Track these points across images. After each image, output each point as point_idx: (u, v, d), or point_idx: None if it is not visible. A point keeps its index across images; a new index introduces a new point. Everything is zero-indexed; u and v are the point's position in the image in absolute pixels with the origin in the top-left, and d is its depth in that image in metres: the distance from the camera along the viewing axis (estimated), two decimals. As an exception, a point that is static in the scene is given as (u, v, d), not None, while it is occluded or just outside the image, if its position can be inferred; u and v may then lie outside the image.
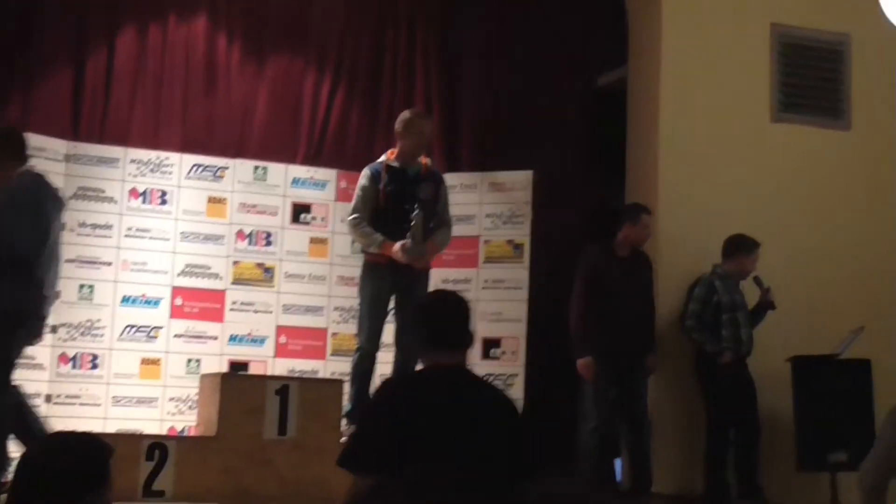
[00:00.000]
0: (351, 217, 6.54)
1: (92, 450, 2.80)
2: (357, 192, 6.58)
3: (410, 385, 3.74)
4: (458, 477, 2.20)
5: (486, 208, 7.71)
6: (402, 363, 6.56)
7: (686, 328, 7.01)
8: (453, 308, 3.79)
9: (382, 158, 6.63)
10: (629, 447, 6.85)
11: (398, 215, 6.45)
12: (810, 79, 7.77)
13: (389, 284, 6.50)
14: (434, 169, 6.75)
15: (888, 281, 7.63)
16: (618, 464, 6.98)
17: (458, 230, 7.40)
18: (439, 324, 3.72)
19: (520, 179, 7.72)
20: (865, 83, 7.81)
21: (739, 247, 7.01)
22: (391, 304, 6.57)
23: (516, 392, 7.37)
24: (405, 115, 6.67)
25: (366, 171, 6.61)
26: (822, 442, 6.78)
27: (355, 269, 6.97)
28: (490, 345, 7.53)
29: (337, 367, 7.37)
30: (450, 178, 7.54)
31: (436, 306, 3.90)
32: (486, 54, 8.29)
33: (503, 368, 7.45)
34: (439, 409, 3.53)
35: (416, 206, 6.45)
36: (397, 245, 6.36)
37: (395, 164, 6.57)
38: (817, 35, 7.79)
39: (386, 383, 3.78)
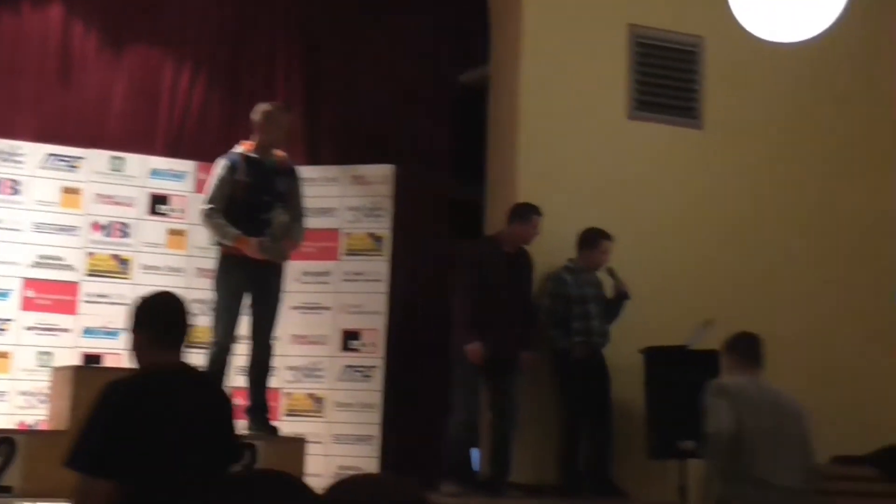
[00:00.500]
0: (205, 207, 6.49)
1: None
2: (213, 181, 6.52)
3: (137, 386, 3.74)
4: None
5: (347, 201, 7.76)
6: (257, 357, 6.60)
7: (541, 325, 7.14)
8: (175, 308, 3.92)
9: (239, 149, 6.61)
10: (491, 436, 6.91)
11: (256, 207, 6.45)
12: (665, 78, 7.96)
13: (246, 278, 6.48)
14: (290, 162, 6.77)
15: (736, 275, 7.85)
16: (475, 453, 7.09)
17: (318, 223, 7.53)
18: (162, 324, 3.85)
19: (381, 173, 7.80)
20: (717, 84, 8.05)
21: (588, 240, 7.17)
22: (248, 298, 6.58)
23: (375, 383, 7.45)
24: (264, 106, 6.67)
25: (222, 161, 6.57)
26: (671, 431, 6.94)
27: (214, 260, 6.88)
28: (350, 336, 7.59)
29: (194, 360, 7.22)
30: (311, 171, 7.65)
31: (157, 307, 3.94)
32: (349, 46, 8.34)
33: (363, 360, 7.52)
34: (168, 410, 3.66)
35: (273, 199, 6.47)
36: (254, 241, 6.35)
37: (254, 155, 6.56)
38: (673, 36, 7.99)
39: (113, 385, 3.69)
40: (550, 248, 7.24)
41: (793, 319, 7.82)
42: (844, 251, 8.20)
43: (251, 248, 6.36)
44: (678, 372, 7.05)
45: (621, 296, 7.23)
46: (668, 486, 7.02)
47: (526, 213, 6.99)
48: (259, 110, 6.65)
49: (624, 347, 7.23)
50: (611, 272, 7.22)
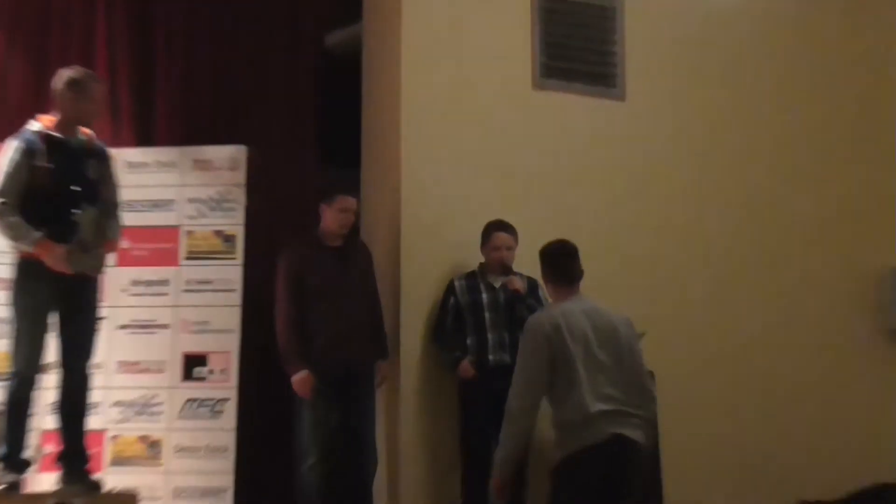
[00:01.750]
0: None
1: None
2: (4, 169, 5.81)
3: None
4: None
5: (189, 192, 7.05)
6: (70, 390, 5.99)
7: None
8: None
9: (35, 126, 5.92)
10: (349, 479, 6.52)
11: (63, 200, 5.82)
12: (578, 40, 7.59)
13: (52, 290, 5.82)
14: (98, 142, 6.14)
15: (671, 276, 7.53)
16: None
17: (152, 219, 7.00)
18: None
19: (230, 156, 7.11)
20: (639, 48, 7.72)
21: (482, 236, 6.83)
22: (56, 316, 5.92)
23: (227, 421, 6.78)
24: (73, 73, 6.01)
25: (15, 143, 5.85)
26: None
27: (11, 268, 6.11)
28: (194, 362, 6.87)
29: None
30: (141, 154, 7.12)
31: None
32: (189, 7, 7.70)
33: (211, 392, 6.81)
34: None
35: (84, 189, 5.85)
36: (60, 250, 5.71)
37: (57, 134, 5.89)
38: (583, -7, 7.76)
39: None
40: (445, 243, 6.99)
41: (740, 323, 7.61)
42: (797, 238, 7.93)
43: (56, 258, 5.73)
44: None
45: (512, 295, 6.72)
46: None
47: (330, 196, 6.64)
48: (63, 78, 5.98)
49: None
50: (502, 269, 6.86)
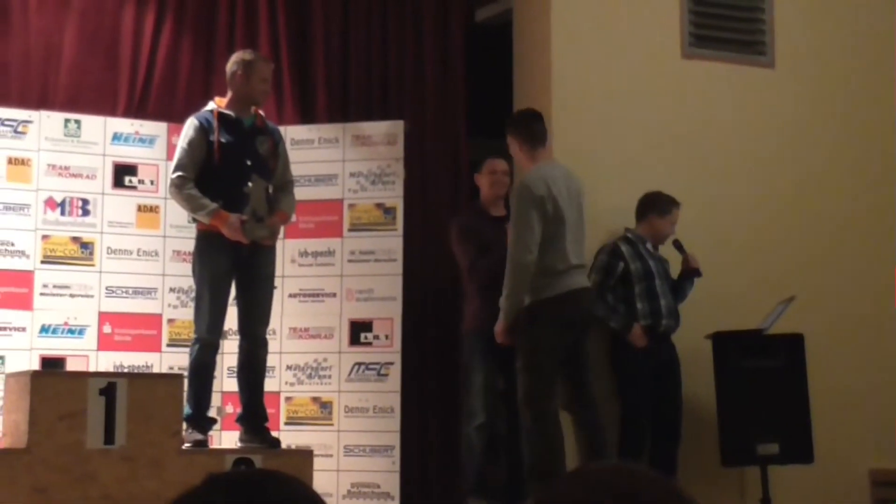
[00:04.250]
0: (174, 175, 6.47)
1: None
2: (181, 145, 6.49)
3: None
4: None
5: (350, 166, 7.63)
6: (250, 355, 6.60)
7: None
8: None
9: (211, 106, 6.59)
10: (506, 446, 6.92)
11: (237, 174, 6.44)
12: (727, 7, 7.90)
13: (230, 261, 6.46)
14: (269, 121, 6.76)
15: (821, 242, 7.77)
16: None
17: (317, 193, 7.52)
18: None
19: (388, 131, 7.68)
20: (790, 12, 7.94)
21: (651, 207, 7.17)
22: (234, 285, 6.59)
23: (392, 383, 7.38)
24: (244, 55, 6.65)
25: (192, 121, 6.54)
26: (749, 432, 6.90)
27: (193, 241, 6.82)
28: (360, 328, 7.46)
29: (175, 360, 7.20)
30: (304, 132, 7.67)
31: None
32: None
33: (376, 356, 7.42)
34: None
35: (255, 164, 6.47)
36: (234, 219, 6.32)
37: (230, 112, 6.53)
38: (731, -45, 7.91)
39: None
40: (598, 214, 7.18)
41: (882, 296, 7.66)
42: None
43: (231, 228, 6.35)
44: (754, 360, 7.05)
45: (691, 272, 7.19)
46: (746, 497, 7.05)
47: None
48: (235, 59, 6.63)
49: (685, 332, 7.21)
50: (678, 245, 7.21)
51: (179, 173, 6.43)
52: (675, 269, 7.27)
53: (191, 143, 6.44)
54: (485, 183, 7.23)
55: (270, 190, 6.60)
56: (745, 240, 7.60)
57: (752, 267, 7.53)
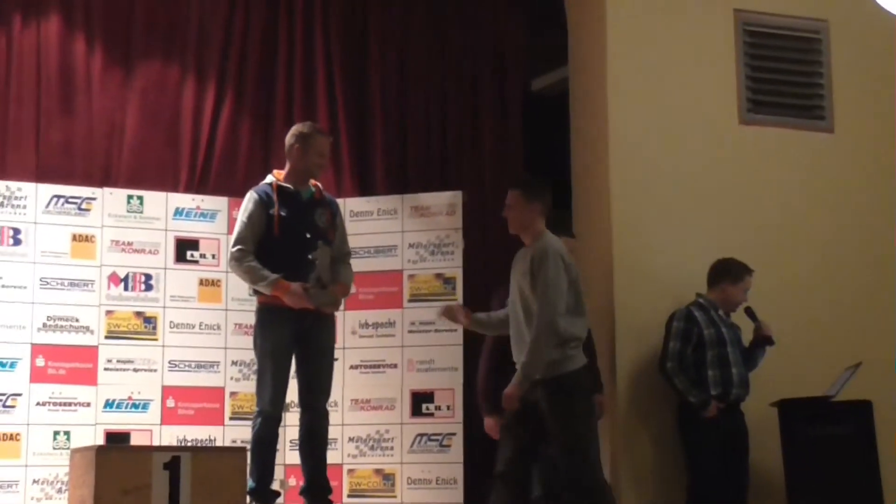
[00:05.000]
0: (234, 249, 6.52)
1: None
2: (241, 219, 6.56)
3: None
4: None
5: (409, 237, 7.74)
6: (312, 427, 6.60)
7: (666, 371, 7.05)
8: None
9: (269, 179, 6.68)
10: None
11: (296, 246, 6.50)
12: (783, 73, 7.93)
13: (291, 332, 6.50)
14: (326, 193, 6.82)
15: (887, 306, 7.71)
16: None
17: (377, 264, 7.63)
18: None
19: (447, 202, 7.78)
20: (847, 77, 7.96)
21: (725, 273, 7.15)
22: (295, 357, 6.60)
23: (455, 454, 7.39)
24: (302, 128, 6.73)
25: (251, 195, 6.62)
26: (815, 497, 6.83)
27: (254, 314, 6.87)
28: (421, 399, 7.53)
29: (238, 433, 7.31)
30: (363, 204, 7.77)
31: None
32: (399, 55, 8.37)
33: (438, 427, 7.47)
34: None
35: (314, 236, 6.53)
36: (296, 287, 6.37)
37: (288, 185, 6.61)
38: (789, 22, 7.94)
39: None
40: (659, 280, 7.30)
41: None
42: None
43: (293, 295, 6.38)
44: (822, 428, 6.98)
45: (763, 340, 7.16)
46: None
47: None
48: (293, 133, 6.72)
49: (752, 400, 7.16)
50: (750, 312, 7.18)
51: (239, 246, 6.50)
52: (746, 337, 7.24)
53: (250, 217, 6.52)
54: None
55: (329, 258, 6.63)
56: (808, 306, 7.58)
57: (817, 333, 7.51)
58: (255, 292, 6.58)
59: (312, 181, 6.70)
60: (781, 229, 7.70)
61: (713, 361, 7.00)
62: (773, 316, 7.31)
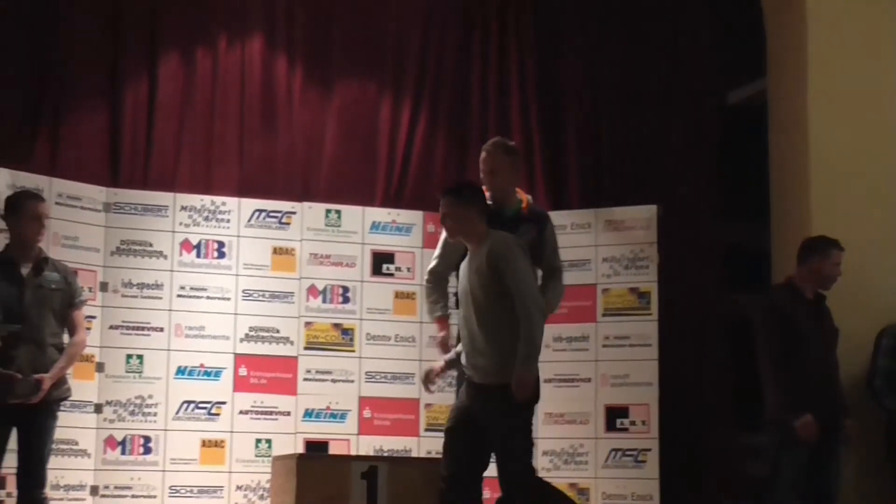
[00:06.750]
0: (428, 269, 6.47)
1: None
2: (440, 241, 6.49)
3: None
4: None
5: (603, 251, 7.78)
6: None
7: (874, 389, 6.97)
8: None
9: None
10: None
11: None
12: None
13: None
14: (536, 207, 6.71)
15: None
16: None
17: (570, 278, 7.39)
18: None
19: (642, 216, 7.79)
20: None
21: None
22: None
23: (650, 470, 7.40)
24: (493, 148, 6.55)
25: None
26: None
27: None
28: (616, 414, 7.56)
29: (433, 444, 7.34)
30: (557, 217, 7.52)
31: None
32: (591, 69, 8.44)
33: (633, 442, 7.49)
34: None
35: None
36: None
37: (489, 203, 6.44)
38: None
39: None
40: (866, 295, 7.14)
41: None
42: None
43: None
44: None
45: None
46: None
47: (825, 247, 6.73)
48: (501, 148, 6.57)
49: None
50: None
51: (427, 276, 6.44)
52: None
53: (445, 239, 6.40)
54: (824, 267, 6.67)
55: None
56: None
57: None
58: None
59: (522, 194, 6.59)
60: None
61: None
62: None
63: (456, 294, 5.91)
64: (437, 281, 6.37)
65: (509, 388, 5.48)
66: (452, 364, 6.01)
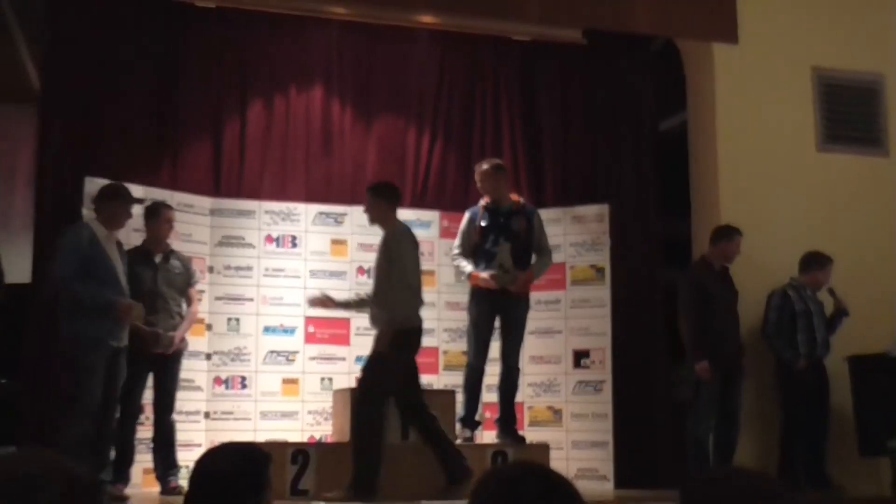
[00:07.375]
0: (452, 252, 6.80)
1: (255, 458, 2.77)
2: (460, 230, 6.82)
3: None
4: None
5: (570, 238, 7.76)
6: (505, 375, 6.71)
7: (766, 336, 7.05)
8: None
9: (481, 202, 6.84)
10: (717, 439, 6.75)
11: (491, 245, 6.65)
12: (850, 113, 7.82)
13: (491, 307, 6.61)
14: (526, 204, 6.84)
15: None
16: None
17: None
18: None
19: (598, 212, 7.79)
20: None
21: (813, 262, 7.09)
22: (497, 324, 6.72)
23: (605, 395, 7.42)
24: (482, 167, 6.84)
25: (466, 214, 6.84)
26: (880, 430, 6.75)
27: (460, 295, 7.22)
28: (580, 355, 7.57)
29: (449, 380, 7.44)
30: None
31: None
32: (562, 104, 8.38)
33: (593, 375, 7.50)
34: None
35: (503, 237, 6.60)
36: (485, 274, 6.48)
37: (490, 204, 6.75)
38: (855, 76, 7.83)
39: None
40: (754, 271, 7.18)
41: None
42: None
43: (484, 280, 6.50)
44: (882, 377, 6.88)
45: (841, 312, 7.09)
46: (879, 481, 6.85)
47: (729, 233, 6.91)
48: (477, 171, 6.86)
49: (831, 356, 7.11)
50: (832, 292, 7.12)
51: (454, 251, 6.77)
52: (828, 310, 7.18)
53: (462, 229, 6.79)
54: (729, 248, 6.90)
55: (524, 253, 6.69)
56: (874, 288, 7.44)
57: (880, 308, 7.36)
58: (466, 278, 6.72)
59: (514, 196, 6.78)
60: (851, 228, 7.58)
61: (802, 329, 6.97)
62: (849, 294, 7.21)
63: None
64: (463, 255, 6.68)
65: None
66: (343, 305, 6.43)
